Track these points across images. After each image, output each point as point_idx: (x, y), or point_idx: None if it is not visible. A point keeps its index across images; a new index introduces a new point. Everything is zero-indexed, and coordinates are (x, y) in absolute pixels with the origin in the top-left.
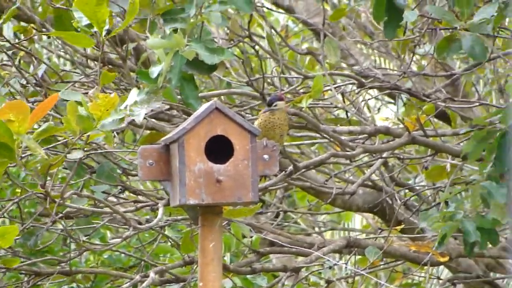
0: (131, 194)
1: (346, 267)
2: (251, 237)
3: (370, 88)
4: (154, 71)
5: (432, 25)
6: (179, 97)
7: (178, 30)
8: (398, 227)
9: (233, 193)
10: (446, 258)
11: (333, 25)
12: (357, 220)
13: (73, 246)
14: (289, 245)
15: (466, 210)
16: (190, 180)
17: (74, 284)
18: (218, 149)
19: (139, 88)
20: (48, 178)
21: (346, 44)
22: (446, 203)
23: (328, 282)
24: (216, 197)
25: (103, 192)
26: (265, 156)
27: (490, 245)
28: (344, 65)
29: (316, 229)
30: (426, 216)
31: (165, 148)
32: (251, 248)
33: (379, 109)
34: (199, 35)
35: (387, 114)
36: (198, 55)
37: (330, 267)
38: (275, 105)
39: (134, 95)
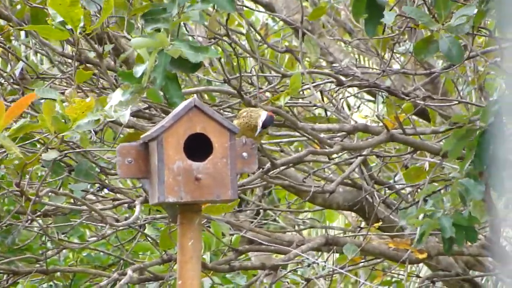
0: (110, 192)
1: (325, 266)
2: (231, 235)
3: (349, 86)
4: (138, 70)
5: (411, 23)
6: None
7: (162, 30)
8: (377, 224)
9: (212, 191)
10: (425, 255)
11: (313, 22)
12: (338, 220)
13: (52, 244)
14: (267, 243)
15: (446, 208)
16: (169, 178)
17: (52, 283)
18: (197, 147)
19: (116, 87)
20: (26, 176)
21: (326, 41)
22: (425, 200)
23: (307, 280)
24: (195, 195)
25: (82, 191)
26: (244, 154)
27: (469, 243)
28: (323, 63)
29: (296, 227)
30: (405, 214)
31: (144, 146)
32: (230, 246)
33: (358, 107)
34: (176, 35)
35: (366, 112)
36: (181, 54)
37: (308, 265)
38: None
39: (118, 95)
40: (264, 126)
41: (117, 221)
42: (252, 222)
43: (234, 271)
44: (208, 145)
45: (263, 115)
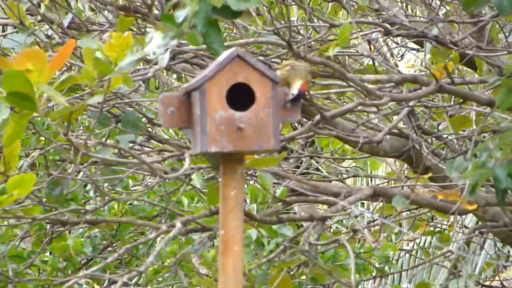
0: (157, 143)
1: (371, 216)
2: (275, 184)
3: (397, 36)
4: (180, 15)
5: None
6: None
7: None
8: (426, 176)
9: (254, 140)
10: (475, 206)
11: None
12: (381, 168)
13: (94, 194)
14: (314, 194)
15: (497, 158)
16: (211, 128)
17: (98, 232)
18: (240, 97)
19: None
20: (72, 126)
21: None
22: (475, 155)
23: (354, 230)
24: (237, 145)
25: (129, 142)
26: (287, 104)
27: None
28: (368, 11)
29: (339, 176)
30: (452, 164)
31: (186, 96)
32: (277, 198)
33: (402, 55)
34: None
35: (412, 62)
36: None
37: (356, 216)
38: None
39: (158, 38)
40: (293, 100)
41: (165, 173)
42: (295, 172)
43: (282, 223)
44: (250, 95)
45: (295, 88)
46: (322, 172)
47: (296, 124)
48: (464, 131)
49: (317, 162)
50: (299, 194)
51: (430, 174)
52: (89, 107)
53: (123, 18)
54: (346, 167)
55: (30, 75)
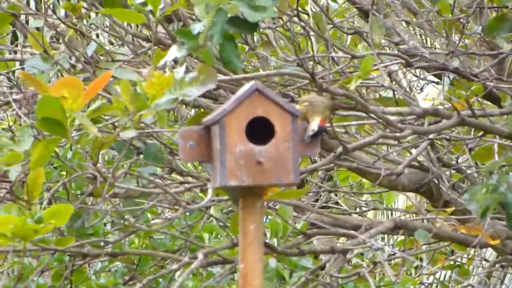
0: (178, 176)
1: (390, 248)
2: (295, 217)
3: (418, 67)
4: (196, 27)
5: (481, 3)
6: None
7: None
8: (449, 210)
9: (273, 174)
10: (497, 241)
11: (378, 3)
12: (400, 201)
13: (112, 227)
14: (334, 226)
15: (510, 183)
16: (231, 162)
17: (118, 266)
18: (259, 131)
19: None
20: (98, 157)
21: (391, 22)
22: (491, 173)
23: (374, 263)
24: (257, 179)
25: (151, 174)
26: (307, 139)
27: None
28: (387, 43)
29: (358, 209)
30: (472, 197)
31: (206, 130)
32: (298, 230)
33: (422, 88)
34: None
35: (431, 94)
36: (240, 12)
37: (377, 249)
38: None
39: (174, 51)
40: (313, 136)
41: (188, 204)
42: (314, 205)
43: (303, 255)
44: (270, 129)
45: (314, 124)
46: (341, 206)
47: (315, 158)
48: (480, 165)
49: (336, 196)
50: (319, 228)
51: (453, 208)
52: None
53: (159, 51)
54: (365, 201)
55: (64, 102)
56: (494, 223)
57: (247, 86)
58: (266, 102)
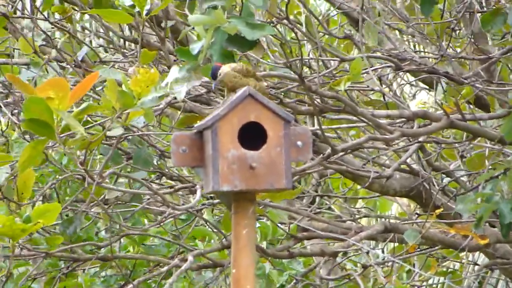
0: (168, 180)
1: (382, 254)
2: (290, 223)
3: (408, 71)
4: (195, 47)
5: (470, 8)
6: None
7: (219, 7)
8: (437, 211)
9: (266, 179)
10: (486, 241)
11: (368, 10)
12: (393, 209)
13: (106, 233)
14: (325, 231)
15: (504, 192)
16: (223, 167)
17: (109, 271)
18: (252, 136)
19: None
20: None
21: (383, 28)
22: (486, 181)
23: (364, 267)
24: (249, 184)
25: (141, 179)
26: (299, 143)
27: None
28: (380, 49)
29: (351, 216)
30: (463, 199)
31: (198, 135)
32: (288, 233)
33: (414, 95)
34: (240, 13)
35: (424, 99)
36: (238, 31)
37: (367, 252)
38: (219, 74)
39: (175, 72)
40: (214, 76)
41: (177, 205)
42: (307, 210)
43: (293, 258)
44: (262, 134)
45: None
46: (334, 211)
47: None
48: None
49: (329, 199)
50: (310, 232)
51: (440, 210)
52: (102, 144)
53: (146, 51)
54: (358, 208)
55: (51, 102)
56: (485, 228)
57: (239, 92)
58: (258, 107)
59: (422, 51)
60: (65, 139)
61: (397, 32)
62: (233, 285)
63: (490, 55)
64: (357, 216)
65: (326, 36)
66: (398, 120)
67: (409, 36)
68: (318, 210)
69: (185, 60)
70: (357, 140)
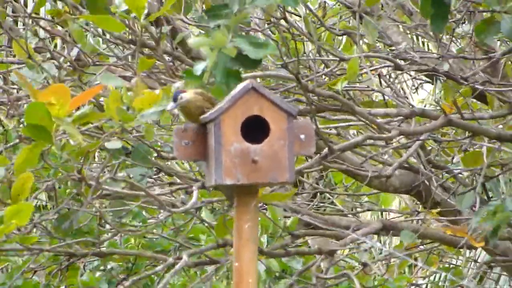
0: (167, 176)
1: (382, 249)
2: (286, 217)
3: (407, 71)
4: (198, 68)
5: (471, 7)
6: None
7: (221, 27)
8: (436, 210)
9: (269, 173)
10: (482, 243)
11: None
12: (395, 202)
13: (108, 227)
14: (324, 227)
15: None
16: (226, 160)
17: (110, 266)
18: (255, 129)
19: (173, 72)
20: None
21: (384, 23)
22: (483, 184)
23: (364, 264)
24: (252, 177)
25: (140, 175)
26: (302, 136)
27: None
28: (380, 45)
29: (354, 210)
30: (463, 199)
31: (201, 128)
32: (285, 230)
33: (416, 88)
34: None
35: (423, 96)
36: (241, 50)
37: (365, 250)
38: (181, 98)
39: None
40: (175, 99)
41: (174, 206)
42: (309, 205)
43: (290, 256)
44: (265, 127)
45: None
46: (336, 205)
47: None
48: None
49: (331, 194)
50: (313, 228)
51: (439, 209)
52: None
53: (144, 59)
54: (360, 202)
55: (51, 108)
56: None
57: (242, 85)
58: (261, 101)
59: (423, 51)
60: (63, 144)
61: (400, 26)
62: (235, 278)
63: (491, 54)
64: (359, 210)
65: (325, 33)
66: (396, 119)
67: (413, 30)
68: (321, 204)
69: (191, 81)
70: (355, 139)
